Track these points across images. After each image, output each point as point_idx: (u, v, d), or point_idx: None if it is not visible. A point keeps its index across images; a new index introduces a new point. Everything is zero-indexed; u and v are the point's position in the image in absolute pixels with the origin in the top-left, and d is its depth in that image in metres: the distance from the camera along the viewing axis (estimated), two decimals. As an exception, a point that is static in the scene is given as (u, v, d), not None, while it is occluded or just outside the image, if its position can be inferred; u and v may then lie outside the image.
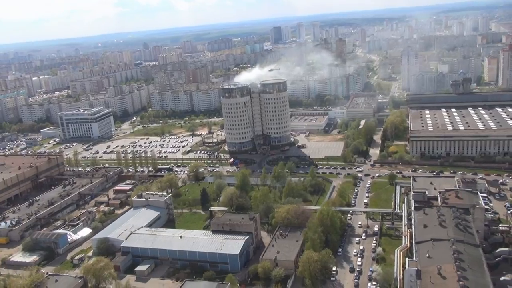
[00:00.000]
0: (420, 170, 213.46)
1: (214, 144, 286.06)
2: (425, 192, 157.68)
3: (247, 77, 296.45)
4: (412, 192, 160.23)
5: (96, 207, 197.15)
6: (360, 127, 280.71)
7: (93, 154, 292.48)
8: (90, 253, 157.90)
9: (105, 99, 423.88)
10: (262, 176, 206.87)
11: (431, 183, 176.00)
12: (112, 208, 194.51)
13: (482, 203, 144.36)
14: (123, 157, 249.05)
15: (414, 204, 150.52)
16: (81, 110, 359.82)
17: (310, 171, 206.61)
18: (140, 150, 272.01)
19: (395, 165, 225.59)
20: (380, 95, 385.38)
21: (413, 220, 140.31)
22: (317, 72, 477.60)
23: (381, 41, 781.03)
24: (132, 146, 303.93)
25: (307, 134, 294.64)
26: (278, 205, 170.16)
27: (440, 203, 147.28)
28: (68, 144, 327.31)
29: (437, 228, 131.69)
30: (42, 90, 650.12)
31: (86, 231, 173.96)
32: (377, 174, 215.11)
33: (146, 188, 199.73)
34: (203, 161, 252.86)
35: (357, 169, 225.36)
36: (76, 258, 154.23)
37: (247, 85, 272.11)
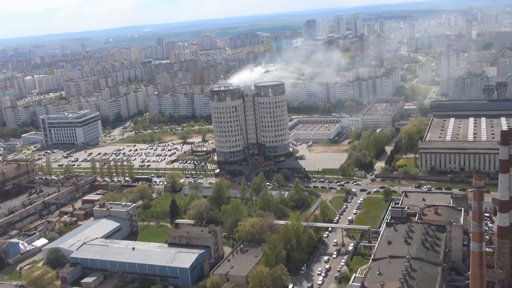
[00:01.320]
0: (425, 186, 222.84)
1: (203, 153, 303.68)
2: (405, 208, 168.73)
3: (244, 78, 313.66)
4: (390, 208, 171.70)
5: (58, 217, 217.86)
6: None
7: (72, 162, 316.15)
8: (40, 264, 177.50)
9: (96, 102, 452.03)
10: (241, 188, 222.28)
11: (423, 199, 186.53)
12: (75, 219, 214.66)
13: (462, 220, 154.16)
14: (99, 165, 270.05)
15: (389, 220, 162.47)
16: (66, 114, 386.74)
17: (294, 184, 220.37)
18: (121, 159, 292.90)
19: (398, 180, 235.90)
20: (413, 102, 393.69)
21: (379, 237, 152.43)
22: (341, 74, 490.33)
23: (432, 38, 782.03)
24: (115, 154, 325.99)
25: (310, 144, 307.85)
26: (246, 218, 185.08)
27: (417, 219, 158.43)
28: (48, 151, 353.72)
29: (400, 245, 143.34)
30: (35, 91, 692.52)
31: (42, 242, 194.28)
32: (374, 190, 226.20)
33: (114, 198, 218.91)
34: (186, 172, 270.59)
35: (355, 183, 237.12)
36: (24, 268, 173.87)
37: (239, 87, 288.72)
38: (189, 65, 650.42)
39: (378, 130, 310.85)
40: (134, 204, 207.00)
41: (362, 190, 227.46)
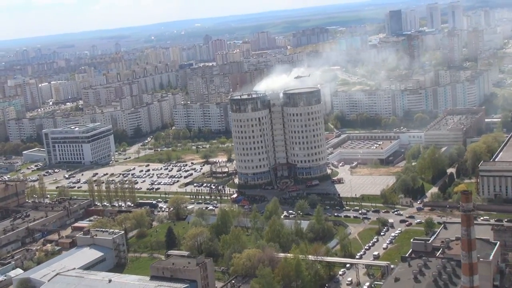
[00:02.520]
0: (481, 218, 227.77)
1: (223, 175, 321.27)
2: (428, 241, 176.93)
3: (275, 84, 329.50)
4: (412, 241, 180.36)
5: (41, 246, 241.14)
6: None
7: (72, 183, 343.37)
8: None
9: (112, 113, 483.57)
10: (251, 216, 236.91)
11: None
12: (58, 248, 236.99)
13: (492, 256, 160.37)
14: (97, 187, 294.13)
15: (409, 255, 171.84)
16: (73, 127, 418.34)
17: (315, 211, 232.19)
18: (122, 180, 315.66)
19: (450, 210, 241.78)
20: (497, 114, 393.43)
21: (391, 273, 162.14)
22: (414, 79, 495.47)
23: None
24: (123, 175, 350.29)
25: (354, 165, 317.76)
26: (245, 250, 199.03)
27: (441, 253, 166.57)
28: (50, 170, 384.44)
29: (408, 282, 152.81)
30: (51, 100, 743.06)
31: (17, 272, 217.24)
32: (417, 221, 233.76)
33: (105, 225, 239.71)
34: (200, 196, 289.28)
35: (396, 213, 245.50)
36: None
37: (265, 94, 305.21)
38: (232, 69, 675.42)
39: (443, 149, 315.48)
40: (122, 232, 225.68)
41: (402, 221, 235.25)
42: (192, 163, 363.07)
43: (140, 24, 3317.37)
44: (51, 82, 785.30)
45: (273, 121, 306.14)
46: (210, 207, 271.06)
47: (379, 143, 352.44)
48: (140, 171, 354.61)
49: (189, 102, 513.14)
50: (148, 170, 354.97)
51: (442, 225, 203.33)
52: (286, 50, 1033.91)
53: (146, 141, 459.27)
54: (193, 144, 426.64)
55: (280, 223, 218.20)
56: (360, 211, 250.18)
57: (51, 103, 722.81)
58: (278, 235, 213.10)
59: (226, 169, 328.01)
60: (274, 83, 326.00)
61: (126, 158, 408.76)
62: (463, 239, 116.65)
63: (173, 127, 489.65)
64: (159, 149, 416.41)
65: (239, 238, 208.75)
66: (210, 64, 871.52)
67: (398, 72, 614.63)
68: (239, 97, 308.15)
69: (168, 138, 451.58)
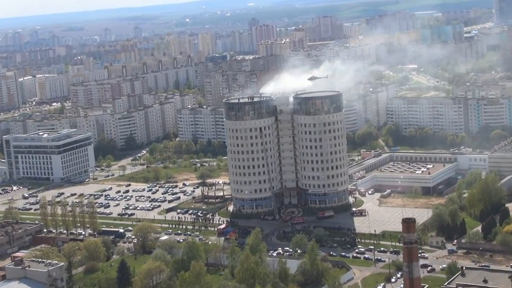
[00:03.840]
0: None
1: (217, 200, 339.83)
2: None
3: (288, 85, 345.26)
4: None
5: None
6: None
7: (30, 204, 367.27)
8: None
9: (98, 118, 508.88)
10: (229, 250, 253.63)
11: (485, 280, 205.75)
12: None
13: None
14: (50, 211, 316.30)
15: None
16: (40, 133, 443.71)
17: (308, 249, 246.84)
18: (91, 203, 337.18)
19: (490, 255, 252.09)
20: None
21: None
22: (500, 85, 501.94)
23: None
24: (94, 196, 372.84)
25: (386, 193, 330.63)
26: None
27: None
28: (8, 188, 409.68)
29: None
30: (35, 99, 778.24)
31: None
32: (442, 266, 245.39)
33: (46, 255, 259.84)
34: (181, 225, 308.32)
35: (420, 255, 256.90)
36: None
37: (271, 98, 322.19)
38: (269, 63, 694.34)
39: (508, 178, 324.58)
40: (62, 264, 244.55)
41: (423, 266, 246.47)
42: (184, 184, 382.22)
43: (175, 2, 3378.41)
44: (37, 76, 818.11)
45: (280, 132, 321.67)
46: (191, 238, 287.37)
47: (428, 166, 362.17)
48: (116, 192, 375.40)
49: (197, 106, 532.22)
50: (127, 191, 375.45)
51: (461, 270, 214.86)
52: (356, 39, 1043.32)
53: (139, 154, 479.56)
54: (197, 160, 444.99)
55: (255, 260, 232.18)
56: (374, 251, 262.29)
57: (34, 102, 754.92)
58: (252, 276, 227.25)
59: (221, 193, 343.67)
60: (286, 84, 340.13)
61: (108, 176, 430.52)
62: (404, 278, 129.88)
63: (178, 138, 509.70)
64: (152, 165, 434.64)
65: (200, 277, 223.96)
66: (251, 57, 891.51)
67: (492, 75, 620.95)
68: (236, 100, 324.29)
69: (167, 152, 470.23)
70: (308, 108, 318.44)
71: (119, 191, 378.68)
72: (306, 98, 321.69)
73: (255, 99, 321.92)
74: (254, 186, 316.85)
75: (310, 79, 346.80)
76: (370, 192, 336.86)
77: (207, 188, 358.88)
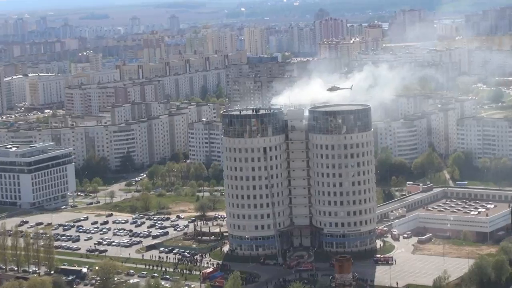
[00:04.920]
0: None
1: (211, 237, 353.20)
2: None
3: (304, 96, 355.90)
4: None
5: None
6: None
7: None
8: None
9: (88, 131, 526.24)
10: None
11: None
12: None
13: None
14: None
15: None
16: (9, 147, 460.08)
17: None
18: (48, 235, 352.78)
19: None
20: None
21: None
22: None
23: None
24: (63, 227, 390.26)
25: (426, 237, 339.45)
26: None
27: None
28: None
29: None
30: (24, 103, 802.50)
31: None
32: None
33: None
34: (161, 267, 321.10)
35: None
36: None
37: (281, 110, 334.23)
38: (321, 68, 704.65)
39: None
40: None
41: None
42: (178, 216, 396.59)
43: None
44: (29, 75, 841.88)
45: (291, 155, 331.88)
46: (164, 283, 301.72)
47: (489, 206, 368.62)
48: (93, 223, 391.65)
49: (214, 120, 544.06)
50: (106, 223, 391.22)
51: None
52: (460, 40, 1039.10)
53: (137, 179, 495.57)
54: (206, 188, 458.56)
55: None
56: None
57: (23, 108, 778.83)
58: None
59: (218, 230, 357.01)
60: (301, 94, 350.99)
61: (91, 203, 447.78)
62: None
63: (188, 160, 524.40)
64: (145, 192, 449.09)
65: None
66: (308, 59, 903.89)
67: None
68: (237, 113, 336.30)
69: (170, 176, 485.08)
70: (326, 125, 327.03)
71: (95, 222, 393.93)
72: (325, 113, 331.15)
73: (261, 112, 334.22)
74: (254, 221, 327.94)
75: (330, 89, 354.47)
76: (406, 235, 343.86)
77: (203, 222, 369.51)
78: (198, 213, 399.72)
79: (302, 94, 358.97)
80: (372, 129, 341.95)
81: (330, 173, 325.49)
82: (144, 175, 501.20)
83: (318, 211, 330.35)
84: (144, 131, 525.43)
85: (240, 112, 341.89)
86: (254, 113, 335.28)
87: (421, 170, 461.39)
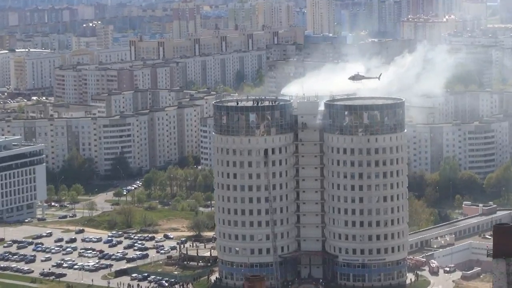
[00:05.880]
0: None
1: (199, 263, 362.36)
2: None
3: (322, 86, 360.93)
4: None
5: None
6: None
7: None
8: None
9: (72, 124, 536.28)
10: None
11: None
12: None
13: None
14: None
15: None
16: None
17: None
18: (22, 255, 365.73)
19: None
20: None
21: None
22: None
23: None
24: (18, 244, 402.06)
25: (472, 272, 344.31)
26: None
27: None
28: None
29: None
30: (8, 87, 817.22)
31: None
32: None
33: None
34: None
35: None
36: None
37: (289, 102, 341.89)
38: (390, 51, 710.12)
39: None
40: None
41: None
42: (166, 236, 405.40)
43: None
44: (17, 50, 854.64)
45: (301, 159, 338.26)
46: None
47: None
48: (56, 241, 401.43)
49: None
50: (73, 240, 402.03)
51: None
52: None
53: (129, 187, 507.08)
54: (213, 202, 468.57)
55: None
56: None
57: (6, 93, 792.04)
58: None
59: (209, 253, 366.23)
60: (322, 83, 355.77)
61: (65, 217, 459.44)
62: None
63: (200, 166, 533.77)
64: (136, 205, 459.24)
65: None
66: (385, 40, 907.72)
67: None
68: (233, 104, 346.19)
69: (172, 185, 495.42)
70: (346, 122, 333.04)
71: (60, 240, 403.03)
72: (344, 107, 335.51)
73: (261, 103, 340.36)
74: (250, 244, 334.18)
75: (353, 78, 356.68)
76: (448, 268, 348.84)
77: (192, 244, 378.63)
78: (192, 233, 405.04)
79: (323, 83, 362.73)
80: (406, 130, 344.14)
81: (349, 184, 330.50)
82: (141, 183, 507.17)
83: (332, 234, 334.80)
84: (144, 127, 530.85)
85: (237, 103, 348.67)
86: (254, 104, 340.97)
87: (497, 188, 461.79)
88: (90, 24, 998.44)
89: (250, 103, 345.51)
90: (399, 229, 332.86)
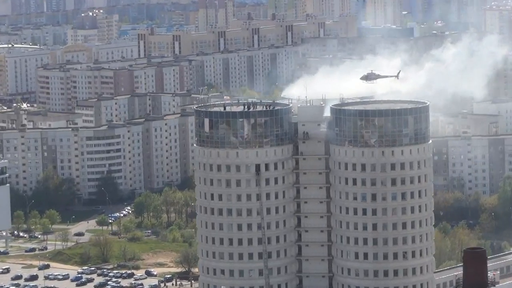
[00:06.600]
0: None
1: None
2: None
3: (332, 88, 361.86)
4: None
5: None
6: None
7: None
8: None
9: (48, 136, 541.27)
10: None
11: None
12: None
13: None
14: None
15: None
16: None
17: None
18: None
19: None
20: None
21: None
22: None
23: None
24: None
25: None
26: None
27: None
28: None
29: None
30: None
31: None
32: None
33: None
34: None
35: None
36: None
37: (289, 106, 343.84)
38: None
39: None
40: None
41: None
42: (149, 272, 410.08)
43: None
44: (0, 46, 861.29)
45: (302, 177, 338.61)
46: None
47: None
48: (14, 278, 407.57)
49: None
50: (35, 278, 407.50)
51: None
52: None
53: (118, 214, 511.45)
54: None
55: None
56: None
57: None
58: None
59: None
60: (334, 85, 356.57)
61: (33, 249, 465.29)
62: None
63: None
64: (122, 236, 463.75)
65: None
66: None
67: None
68: (219, 109, 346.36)
69: (168, 212, 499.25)
70: (356, 131, 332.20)
71: (19, 277, 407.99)
72: (353, 113, 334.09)
73: (253, 109, 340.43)
74: (239, 281, 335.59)
75: (366, 78, 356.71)
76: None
77: (175, 282, 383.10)
78: (180, 269, 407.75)
79: (336, 83, 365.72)
80: (431, 141, 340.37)
81: (360, 208, 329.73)
82: (128, 210, 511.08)
83: (341, 269, 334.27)
84: (138, 140, 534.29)
85: (224, 108, 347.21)
86: (244, 109, 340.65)
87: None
88: (90, 14, 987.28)
89: (240, 108, 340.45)
90: (421, 263, 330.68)
